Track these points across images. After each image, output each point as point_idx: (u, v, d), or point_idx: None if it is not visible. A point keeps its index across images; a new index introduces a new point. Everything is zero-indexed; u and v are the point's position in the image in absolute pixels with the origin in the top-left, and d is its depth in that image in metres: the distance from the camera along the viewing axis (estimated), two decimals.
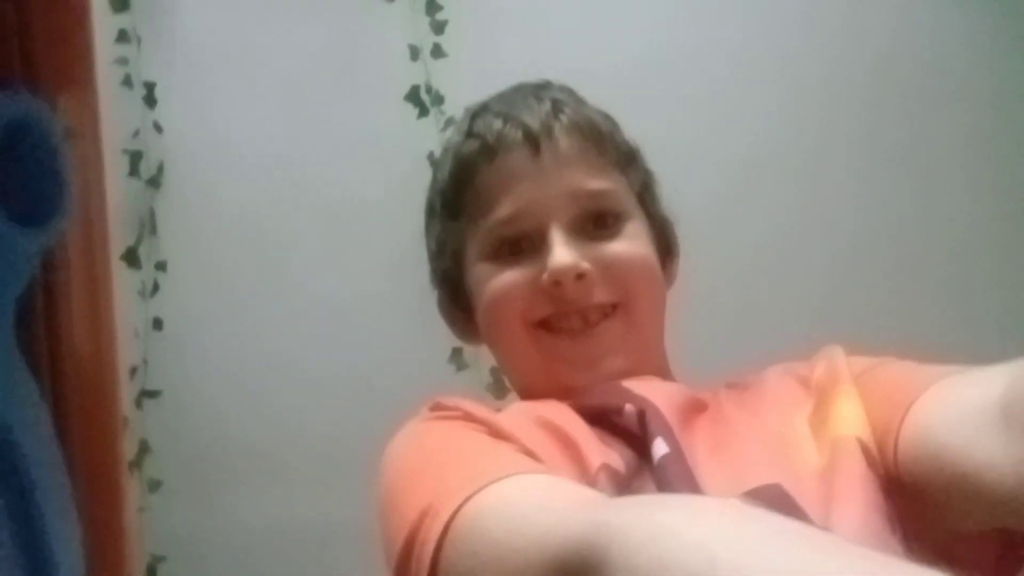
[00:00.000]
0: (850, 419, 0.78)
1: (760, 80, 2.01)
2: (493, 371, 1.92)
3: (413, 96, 1.96)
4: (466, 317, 0.92)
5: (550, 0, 2.02)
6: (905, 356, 0.83)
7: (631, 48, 2.00)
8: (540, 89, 0.91)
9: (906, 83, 2.01)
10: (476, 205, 0.87)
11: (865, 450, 0.75)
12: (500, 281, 0.85)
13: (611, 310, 0.85)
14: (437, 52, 1.96)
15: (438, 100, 1.97)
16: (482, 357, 2.02)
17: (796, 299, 1.92)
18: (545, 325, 0.85)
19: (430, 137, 1.94)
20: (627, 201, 0.89)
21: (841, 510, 0.71)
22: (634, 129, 0.96)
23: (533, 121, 0.86)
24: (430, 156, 1.93)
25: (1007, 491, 0.62)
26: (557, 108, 0.87)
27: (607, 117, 0.92)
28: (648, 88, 1.96)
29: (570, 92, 0.92)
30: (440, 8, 1.96)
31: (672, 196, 0.97)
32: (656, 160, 0.97)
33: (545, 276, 0.83)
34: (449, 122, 1.94)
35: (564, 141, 0.86)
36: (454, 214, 0.89)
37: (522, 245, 0.85)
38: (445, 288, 0.94)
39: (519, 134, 0.85)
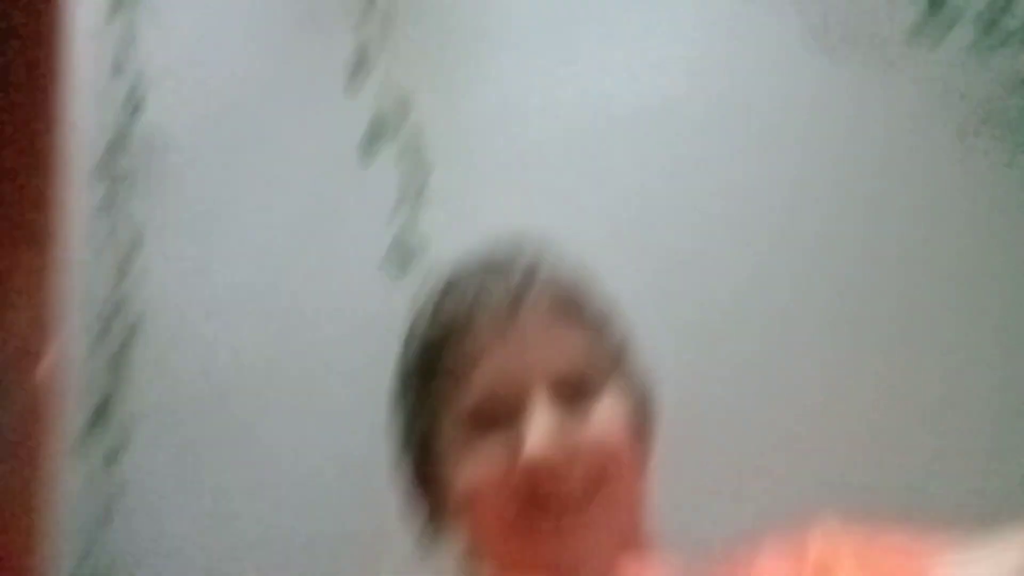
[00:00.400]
0: None
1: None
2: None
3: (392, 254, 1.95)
4: (436, 500, 0.88)
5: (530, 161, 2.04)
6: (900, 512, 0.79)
7: (610, 207, 2.01)
8: (508, 262, 0.89)
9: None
10: (448, 384, 0.83)
11: None
12: (474, 473, 0.80)
13: (586, 504, 0.80)
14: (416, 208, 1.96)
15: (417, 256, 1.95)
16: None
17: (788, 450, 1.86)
18: (517, 524, 0.80)
19: (407, 299, 1.92)
20: (603, 366, 0.85)
21: None
22: (610, 283, 0.94)
23: (503, 299, 0.83)
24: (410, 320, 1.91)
25: None
26: (526, 282, 0.85)
27: (579, 282, 0.90)
28: (628, 238, 1.95)
29: (540, 261, 0.90)
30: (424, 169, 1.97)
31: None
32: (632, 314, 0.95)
33: (518, 466, 0.78)
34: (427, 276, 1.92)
35: (534, 317, 0.83)
36: (423, 396, 0.86)
37: (498, 418, 0.81)
38: (415, 472, 0.90)
39: (489, 315, 0.83)
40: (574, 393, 0.82)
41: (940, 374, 1.92)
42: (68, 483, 1.69)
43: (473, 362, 0.82)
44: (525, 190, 1.99)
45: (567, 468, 0.79)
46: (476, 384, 0.82)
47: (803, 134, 2.02)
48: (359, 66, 1.92)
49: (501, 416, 0.81)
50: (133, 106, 1.95)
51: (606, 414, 0.83)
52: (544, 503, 0.79)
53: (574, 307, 0.86)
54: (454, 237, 1.93)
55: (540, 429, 0.78)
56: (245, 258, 1.97)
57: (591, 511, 0.80)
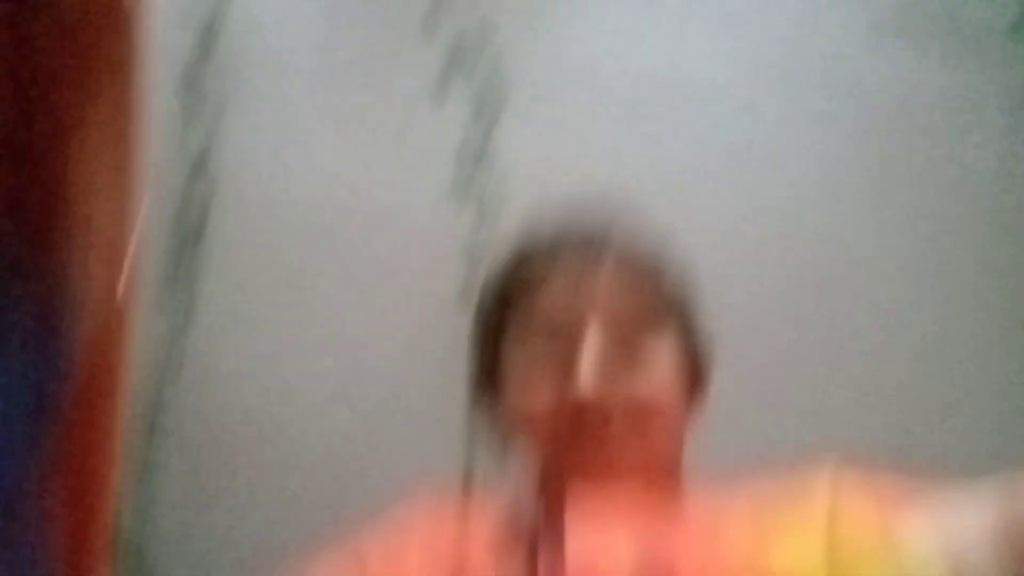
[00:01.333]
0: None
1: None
2: None
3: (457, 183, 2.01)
4: (493, 402, 0.97)
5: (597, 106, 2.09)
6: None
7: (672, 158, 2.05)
8: (592, 227, 0.96)
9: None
10: (519, 329, 0.91)
11: None
12: (531, 388, 0.89)
13: (624, 440, 0.88)
14: (485, 144, 2.01)
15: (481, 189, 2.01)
16: None
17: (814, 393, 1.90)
18: (564, 439, 0.88)
19: (468, 224, 1.99)
20: (663, 331, 0.92)
21: None
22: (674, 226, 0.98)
23: (582, 260, 0.91)
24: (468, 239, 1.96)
25: None
26: (603, 245, 0.93)
27: (654, 252, 0.96)
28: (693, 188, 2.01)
29: (620, 227, 0.97)
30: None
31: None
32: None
33: (571, 397, 0.86)
34: (487, 214, 1.98)
35: (606, 282, 0.91)
36: (496, 338, 0.94)
37: (556, 345, 0.89)
38: (479, 381, 0.98)
39: (565, 273, 0.91)
40: (628, 335, 0.89)
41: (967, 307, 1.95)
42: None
43: (541, 294, 0.90)
44: (591, 139, 2.05)
45: (613, 404, 0.87)
46: (541, 314, 0.90)
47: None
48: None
49: (560, 346, 0.89)
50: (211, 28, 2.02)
51: (658, 358, 0.90)
52: (590, 431, 0.87)
53: (643, 259, 0.93)
54: (520, 172, 2.00)
55: (591, 362, 0.86)
56: (320, 185, 2.04)
57: (632, 441, 0.88)
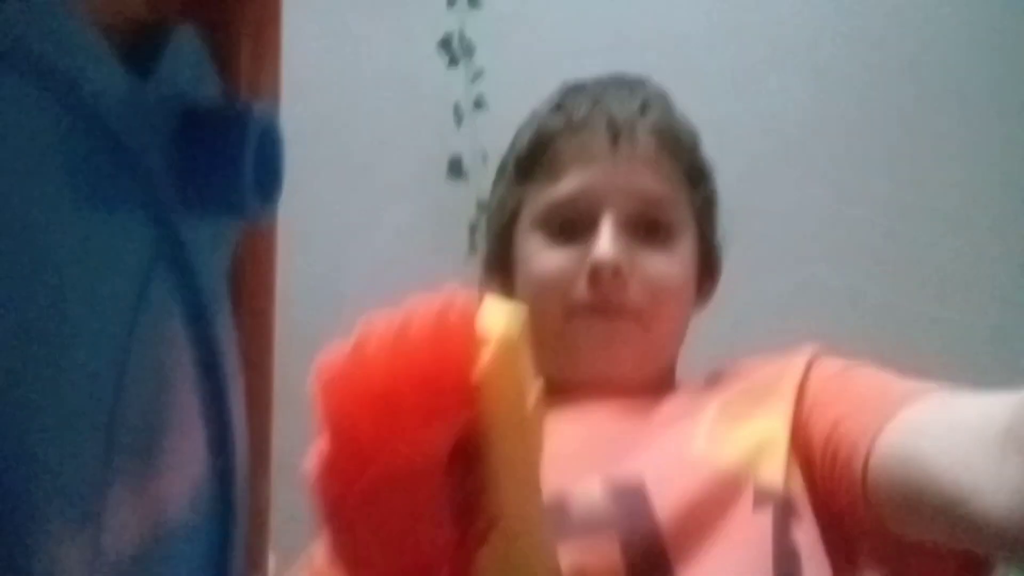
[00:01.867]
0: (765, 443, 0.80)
1: (791, 67, 2.01)
2: None
3: (446, 44, 1.96)
4: (504, 280, 0.96)
5: None
6: (891, 360, 0.83)
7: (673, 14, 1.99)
8: (636, 85, 0.95)
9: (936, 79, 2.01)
10: (545, 172, 0.90)
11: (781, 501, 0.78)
12: (544, 259, 0.89)
13: (635, 316, 0.89)
14: (473, 2, 1.95)
15: (469, 51, 1.96)
16: None
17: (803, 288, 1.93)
18: (575, 310, 0.88)
19: (457, 87, 1.94)
20: (684, 215, 0.92)
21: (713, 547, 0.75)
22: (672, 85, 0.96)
23: (620, 112, 0.90)
24: (455, 107, 1.93)
25: (995, 519, 0.62)
26: (645, 107, 0.91)
27: (690, 131, 0.95)
28: (683, 69, 1.95)
29: (663, 96, 0.94)
30: None
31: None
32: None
33: (587, 262, 0.86)
34: (478, 74, 1.94)
35: (643, 139, 0.90)
36: (523, 177, 0.93)
37: (575, 226, 0.89)
38: (493, 247, 0.97)
39: (603, 120, 0.89)
40: (645, 229, 0.89)
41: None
42: None
43: (567, 168, 0.89)
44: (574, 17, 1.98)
45: (627, 278, 0.86)
46: (563, 189, 0.89)
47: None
48: None
49: (576, 225, 0.88)
50: None
51: (673, 256, 0.90)
52: (602, 305, 0.87)
53: (671, 154, 0.91)
54: (503, 40, 1.96)
55: (609, 240, 0.86)
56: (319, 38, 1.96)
57: (635, 323, 0.88)
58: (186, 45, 0.53)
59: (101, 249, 0.41)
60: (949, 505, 0.65)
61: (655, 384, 0.91)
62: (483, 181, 1.98)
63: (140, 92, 0.48)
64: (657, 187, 0.90)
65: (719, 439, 0.82)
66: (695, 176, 0.94)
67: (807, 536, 0.77)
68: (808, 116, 1.99)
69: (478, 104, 1.95)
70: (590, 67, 2.15)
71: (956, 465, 0.65)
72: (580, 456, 0.80)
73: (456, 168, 1.81)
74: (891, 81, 2.00)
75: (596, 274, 0.87)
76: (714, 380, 0.90)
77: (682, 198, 0.92)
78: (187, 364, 0.45)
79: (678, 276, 0.91)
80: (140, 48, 0.50)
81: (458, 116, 1.94)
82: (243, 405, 0.49)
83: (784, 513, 0.77)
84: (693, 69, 1.92)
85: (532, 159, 0.92)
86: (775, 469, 0.78)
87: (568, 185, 0.90)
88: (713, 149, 0.95)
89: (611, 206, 0.88)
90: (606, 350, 0.88)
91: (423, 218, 1.79)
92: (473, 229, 1.94)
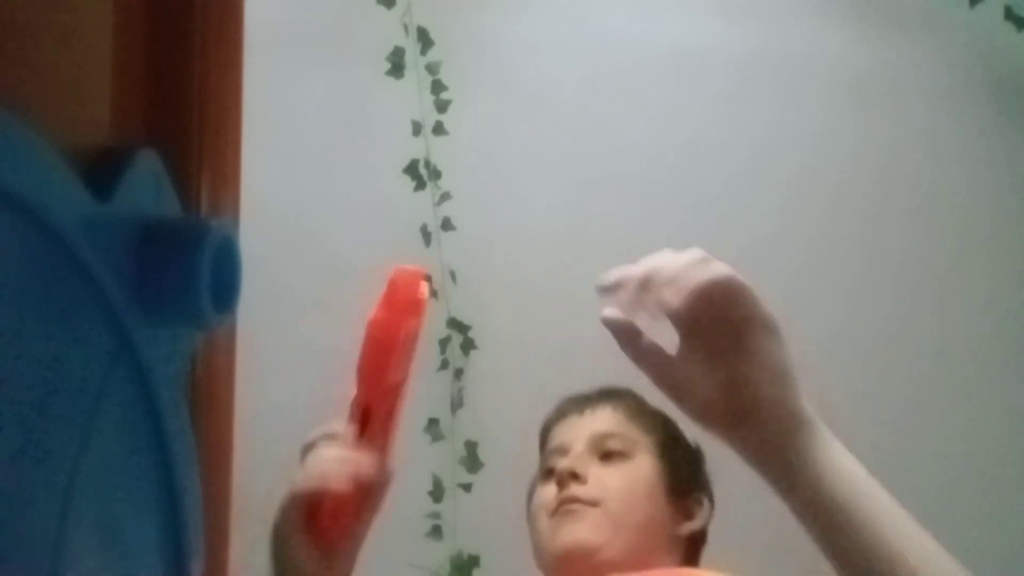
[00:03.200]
0: None
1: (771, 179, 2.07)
2: (467, 444, 1.95)
3: (412, 169, 2.01)
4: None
5: (550, 87, 2.09)
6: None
7: (633, 135, 2.06)
8: (616, 389, 1.26)
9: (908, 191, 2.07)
10: (544, 445, 1.26)
11: None
12: (539, 492, 1.21)
13: (593, 503, 1.15)
14: (439, 129, 2.02)
15: (435, 175, 2.02)
16: (457, 429, 2.06)
17: None
18: (553, 511, 1.16)
19: (424, 209, 1.99)
20: (638, 447, 1.21)
21: None
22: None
23: (592, 397, 1.25)
24: (422, 229, 1.99)
25: None
26: (612, 394, 1.24)
27: (651, 410, 1.22)
28: (649, 177, 2.02)
29: (634, 395, 1.22)
30: (445, 88, 2.02)
31: None
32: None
33: (556, 471, 1.18)
34: (444, 197, 2.00)
35: (602, 407, 1.24)
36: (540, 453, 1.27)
37: (556, 467, 1.18)
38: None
39: (576, 405, 1.25)
40: (602, 455, 1.19)
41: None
42: None
43: (553, 435, 1.24)
44: (538, 126, 2.05)
45: (585, 479, 1.15)
46: (550, 447, 1.23)
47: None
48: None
49: (557, 466, 1.18)
50: None
51: (622, 469, 1.18)
52: (567, 498, 1.15)
53: (627, 417, 1.23)
54: (468, 166, 2.03)
55: (571, 457, 1.18)
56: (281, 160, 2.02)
57: (595, 510, 1.15)
58: (147, 167, 0.56)
59: (58, 356, 0.44)
60: None
61: (635, 565, 1.12)
62: (452, 299, 2.02)
63: (100, 212, 0.51)
64: (609, 428, 1.21)
65: None
66: (650, 428, 1.22)
67: None
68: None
69: (445, 226, 2.01)
70: (552, 186, 2.24)
71: None
72: None
73: None
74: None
75: (561, 477, 1.15)
76: None
77: (634, 436, 1.21)
78: (144, 466, 0.47)
79: (628, 478, 1.17)
80: (104, 170, 0.53)
81: (426, 237, 1.99)
82: (200, 508, 0.51)
83: None
84: (657, 187, 1.99)
85: (540, 444, 1.26)
86: None
87: (552, 443, 1.23)
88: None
89: (577, 443, 1.20)
90: (570, 529, 1.13)
91: None
92: (444, 345, 1.97)
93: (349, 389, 0.74)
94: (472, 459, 1.95)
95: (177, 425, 0.50)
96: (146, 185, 0.55)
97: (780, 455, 0.65)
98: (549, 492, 1.16)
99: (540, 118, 2.06)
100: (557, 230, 2.04)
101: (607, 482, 1.15)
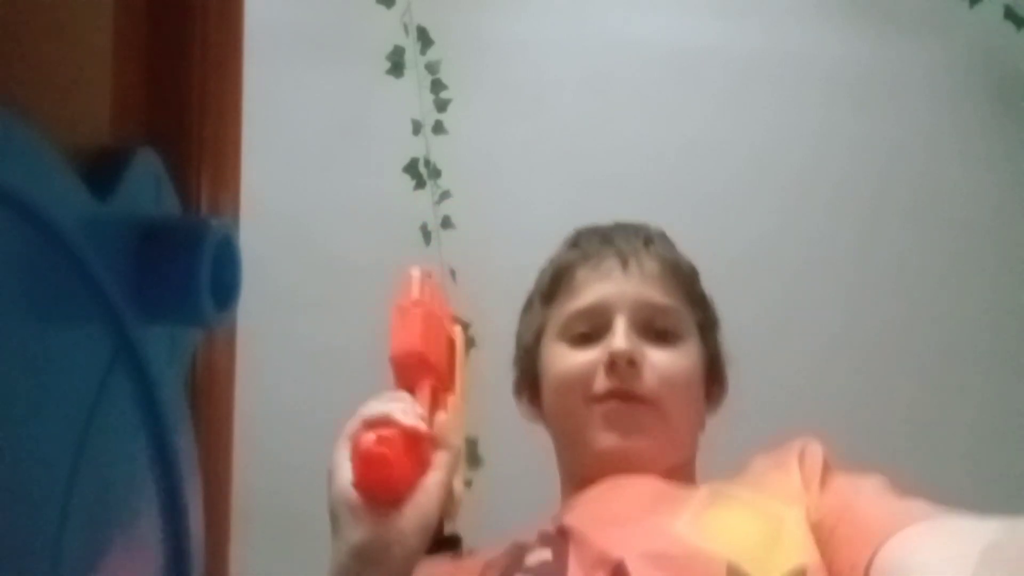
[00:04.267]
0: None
1: (769, 182, 2.07)
2: (467, 441, 1.95)
3: (412, 168, 2.02)
4: (532, 395, 1.05)
5: (549, 87, 2.09)
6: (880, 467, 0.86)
7: (633, 135, 2.06)
8: (639, 226, 1.08)
9: (904, 194, 2.08)
10: (565, 293, 1.03)
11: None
12: (568, 360, 0.99)
13: (651, 402, 0.96)
14: (438, 128, 2.02)
15: (435, 174, 2.03)
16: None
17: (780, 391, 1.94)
18: (596, 398, 0.96)
19: (424, 208, 2.00)
20: (687, 327, 1.02)
21: None
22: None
23: (628, 244, 1.04)
24: (422, 227, 1.99)
25: None
26: (649, 240, 1.05)
27: (689, 263, 1.07)
28: (649, 177, 2.02)
29: (663, 235, 1.08)
30: (445, 87, 2.02)
31: None
32: None
33: (605, 354, 0.96)
34: (444, 195, 2.01)
35: (648, 263, 1.03)
36: (546, 302, 1.04)
37: (591, 332, 0.99)
38: (521, 365, 1.07)
39: (613, 250, 1.03)
40: (653, 334, 0.99)
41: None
42: None
43: (584, 287, 1.01)
44: (537, 125, 2.06)
45: (640, 367, 0.96)
46: (582, 302, 1.00)
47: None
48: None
49: (592, 331, 0.99)
50: None
51: (679, 355, 0.99)
52: (620, 391, 0.95)
53: (673, 277, 1.03)
54: (467, 164, 2.04)
55: (623, 335, 0.96)
56: (281, 160, 2.02)
57: (650, 409, 0.96)
58: (146, 167, 0.56)
59: (58, 356, 0.44)
60: None
61: (673, 477, 0.96)
62: (453, 298, 2.01)
63: (100, 211, 0.51)
64: (662, 300, 1.01)
65: (701, 521, 0.86)
66: (695, 300, 1.05)
67: None
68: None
69: (445, 224, 2.01)
70: (552, 185, 2.24)
71: None
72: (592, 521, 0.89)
73: None
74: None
75: (613, 363, 0.95)
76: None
77: (684, 313, 1.02)
78: (143, 466, 0.47)
79: (685, 370, 0.99)
80: (103, 170, 0.53)
81: (426, 235, 2.00)
82: (200, 509, 0.51)
83: None
84: (657, 187, 2.00)
85: (554, 286, 1.04)
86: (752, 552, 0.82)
87: (586, 298, 1.01)
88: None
89: (623, 312, 0.99)
90: (626, 432, 0.95)
91: None
92: None
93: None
94: (472, 456, 1.94)
95: (177, 425, 0.50)
96: (146, 184, 0.55)
97: None
98: (590, 370, 0.97)
99: (540, 117, 2.06)
100: (557, 229, 2.04)
101: (663, 372, 0.97)
